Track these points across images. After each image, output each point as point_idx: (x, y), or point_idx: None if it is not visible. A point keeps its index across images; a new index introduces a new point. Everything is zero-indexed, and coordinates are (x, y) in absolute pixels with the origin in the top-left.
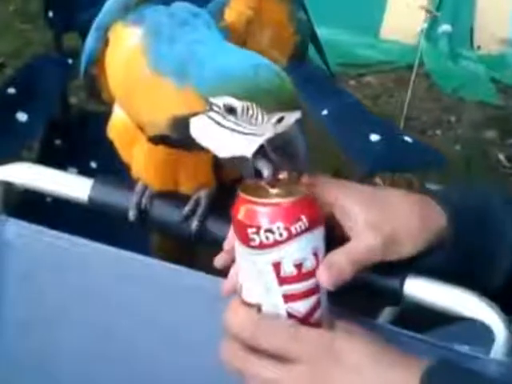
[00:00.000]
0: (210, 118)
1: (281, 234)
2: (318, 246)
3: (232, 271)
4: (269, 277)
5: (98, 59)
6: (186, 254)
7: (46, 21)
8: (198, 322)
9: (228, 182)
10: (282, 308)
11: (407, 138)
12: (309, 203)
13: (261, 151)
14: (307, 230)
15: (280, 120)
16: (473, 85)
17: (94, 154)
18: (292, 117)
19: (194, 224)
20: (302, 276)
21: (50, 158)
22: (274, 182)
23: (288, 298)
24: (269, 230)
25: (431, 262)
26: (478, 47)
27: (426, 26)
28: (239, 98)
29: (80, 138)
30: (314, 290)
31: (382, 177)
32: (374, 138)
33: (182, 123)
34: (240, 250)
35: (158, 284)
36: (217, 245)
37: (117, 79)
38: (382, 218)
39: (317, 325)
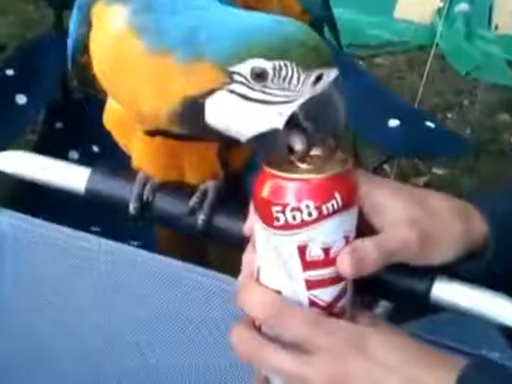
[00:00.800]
0: (231, 92)
1: (310, 214)
2: (351, 229)
3: (245, 258)
4: (292, 261)
5: (85, 45)
6: (194, 250)
7: None
8: (205, 321)
9: (234, 171)
10: (304, 295)
11: (429, 124)
12: (344, 180)
13: (292, 121)
14: (340, 210)
15: (318, 78)
16: (488, 67)
17: (97, 137)
18: (331, 74)
19: (201, 218)
20: (329, 261)
21: (51, 142)
22: (305, 156)
23: (311, 284)
24: (296, 209)
25: (467, 271)
26: (496, 26)
27: (441, 4)
28: (269, 58)
29: (82, 121)
30: (341, 278)
31: (391, 163)
32: (393, 123)
33: (194, 107)
34: (261, 232)
35: (163, 280)
36: (225, 240)
37: (104, 68)
38: (419, 215)
39: (340, 315)
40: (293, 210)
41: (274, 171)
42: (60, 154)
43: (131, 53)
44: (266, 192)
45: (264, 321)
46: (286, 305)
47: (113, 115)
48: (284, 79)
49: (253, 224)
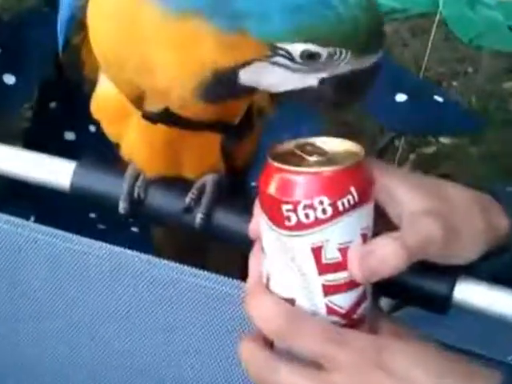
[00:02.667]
0: (273, 63)
1: (324, 211)
2: (368, 225)
3: (252, 261)
4: (306, 264)
5: (80, 22)
6: (193, 251)
7: None
8: (204, 327)
9: (239, 168)
10: (321, 302)
11: (438, 98)
12: (359, 172)
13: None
14: (357, 205)
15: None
16: (491, 33)
17: (93, 116)
18: (376, 56)
19: (199, 216)
20: (346, 263)
21: (45, 123)
22: (310, 148)
23: (328, 289)
24: (309, 206)
25: (489, 269)
26: None
27: None
28: (324, 44)
29: (77, 100)
30: None
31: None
32: (400, 97)
33: (226, 77)
34: (269, 233)
35: (159, 284)
36: (227, 240)
37: (107, 39)
38: (441, 207)
39: (360, 322)
40: (305, 207)
41: (280, 165)
42: (55, 134)
43: (148, 16)
44: (273, 188)
45: (275, 334)
46: (300, 315)
47: (103, 101)
48: (335, 61)
49: (258, 225)
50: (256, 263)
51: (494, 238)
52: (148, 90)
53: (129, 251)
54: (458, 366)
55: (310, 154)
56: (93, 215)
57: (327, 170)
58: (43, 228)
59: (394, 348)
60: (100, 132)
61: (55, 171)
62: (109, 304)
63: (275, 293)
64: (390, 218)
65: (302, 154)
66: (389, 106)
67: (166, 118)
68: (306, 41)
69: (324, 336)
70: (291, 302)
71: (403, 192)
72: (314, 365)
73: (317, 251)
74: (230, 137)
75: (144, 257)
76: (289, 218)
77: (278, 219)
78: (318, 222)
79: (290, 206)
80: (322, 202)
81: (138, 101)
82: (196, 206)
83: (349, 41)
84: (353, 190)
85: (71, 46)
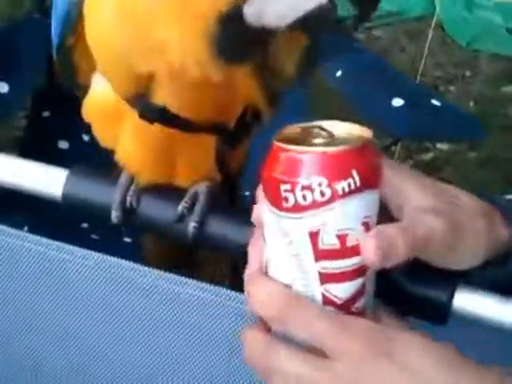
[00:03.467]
0: None
1: (322, 193)
2: (371, 214)
3: (251, 250)
4: (302, 249)
5: (76, 22)
6: (184, 260)
7: None
8: (195, 336)
9: (233, 176)
10: (317, 289)
11: (435, 102)
12: (363, 155)
13: None
14: (358, 190)
15: None
16: (489, 36)
17: (87, 125)
18: None
19: (192, 225)
20: (345, 251)
21: (39, 132)
22: (317, 131)
23: (325, 277)
24: (307, 187)
25: (488, 279)
26: None
27: None
28: None
29: (70, 109)
30: (360, 272)
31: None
32: (397, 102)
33: (234, 18)
34: (269, 215)
35: (150, 294)
36: (220, 250)
37: (106, 30)
38: (445, 205)
39: (358, 315)
40: (303, 188)
41: (282, 144)
42: (49, 143)
43: None
44: (274, 168)
45: (275, 319)
46: (301, 299)
47: (96, 104)
48: None
49: (261, 209)
50: (255, 251)
51: (494, 246)
52: (160, 71)
53: (122, 261)
54: (468, 361)
55: (316, 137)
56: (85, 225)
57: (328, 150)
58: (36, 238)
59: (399, 337)
60: (93, 141)
61: (47, 179)
62: (103, 314)
63: (273, 278)
64: (393, 210)
65: (307, 136)
66: (385, 111)
67: (161, 115)
68: None
69: (322, 319)
70: (288, 287)
71: (411, 188)
72: (316, 353)
73: (314, 236)
74: (225, 141)
75: (138, 267)
76: (286, 199)
77: (276, 200)
78: (315, 205)
79: (287, 186)
80: (320, 184)
81: (136, 97)
82: (189, 214)
83: None
84: (354, 173)
85: (65, 48)
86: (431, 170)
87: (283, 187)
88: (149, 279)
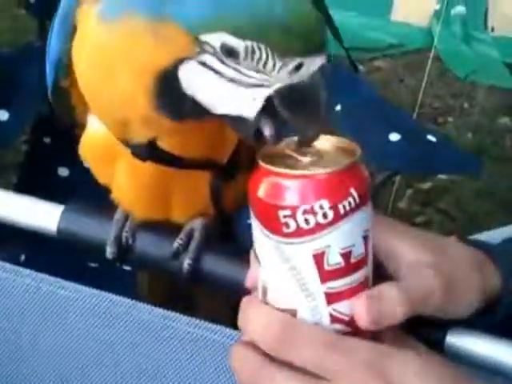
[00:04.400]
0: (201, 63)
1: (325, 215)
2: (368, 227)
3: (251, 273)
4: (307, 273)
5: (68, 66)
6: (180, 296)
7: (28, 6)
8: (192, 373)
9: (228, 212)
10: (325, 311)
11: (431, 138)
12: (357, 172)
13: (267, 105)
14: (358, 207)
15: (298, 67)
16: (486, 69)
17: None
18: (314, 63)
19: (187, 262)
20: (350, 268)
21: (39, 158)
22: (303, 148)
23: (332, 297)
24: (309, 211)
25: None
26: (492, 29)
27: (438, 7)
28: (241, 36)
29: (71, 136)
30: (364, 285)
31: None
32: (394, 137)
33: (169, 80)
34: (265, 241)
35: (146, 331)
36: (215, 287)
37: (89, 77)
38: (442, 263)
39: (365, 330)
40: (305, 212)
41: (273, 168)
42: (49, 170)
43: (102, 38)
44: (267, 193)
45: (271, 345)
46: (297, 323)
47: (92, 142)
48: (258, 62)
49: (256, 270)
50: (253, 276)
51: (486, 296)
52: (130, 120)
53: (117, 297)
54: (461, 379)
55: (303, 154)
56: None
57: (324, 171)
58: (32, 273)
59: (398, 357)
60: None
61: (42, 215)
62: (97, 350)
63: (273, 306)
64: (389, 269)
65: (293, 154)
66: (382, 145)
67: (153, 153)
68: (221, 30)
69: (324, 344)
70: (292, 313)
71: (405, 245)
72: (310, 375)
73: (318, 258)
74: (218, 177)
75: (132, 302)
76: (287, 225)
77: (275, 226)
78: (318, 227)
79: (287, 212)
80: (322, 206)
81: (125, 137)
82: (184, 251)
83: (264, 34)
84: (353, 191)
85: (60, 89)
86: (430, 198)
87: (282, 213)
88: (143, 314)
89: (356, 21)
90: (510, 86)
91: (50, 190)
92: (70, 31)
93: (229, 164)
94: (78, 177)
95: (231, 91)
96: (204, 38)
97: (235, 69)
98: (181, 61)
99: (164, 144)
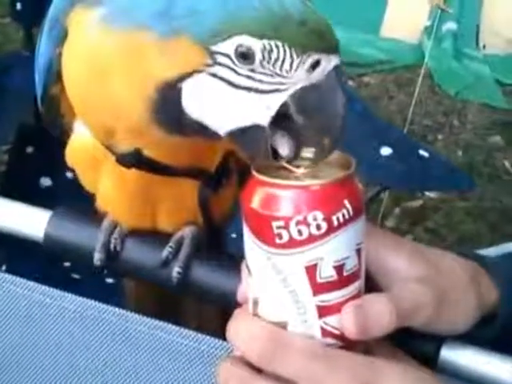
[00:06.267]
0: (213, 75)
1: (318, 227)
2: (362, 240)
3: (243, 286)
4: (299, 285)
5: (57, 73)
6: (168, 306)
7: (15, 14)
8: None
9: (218, 220)
10: (316, 324)
11: (423, 152)
12: (351, 184)
13: (282, 113)
14: (352, 219)
15: (315, 65)
16: (477, 87)
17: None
18: (330, 62)
19: (176, 270)
20: (342, 281)
21: (21, 168)
22: (297, 160)
23: (324, 310)
24: (302, 222)
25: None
26: (484, 46)
27: (429, 23)
28: (257, 36)
29: (54, 146)
30: (356, 299)
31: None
32: (386, 151)
33: (171, 94)
34: (257, 252)
35: (133, 341)
36: (205, 296)
37: (79, 83)
38: (435, 278)
39: (355, 344)
40: (298, 223)
41: (267, 178)
42: (31, 180)
43: (103, 46)
44: (261, 204)
45: (259, 358)
46: (285, 336)
47: (77, 149)
48: (275, 63)
49: (247, 283)
50: (245, 290)
51: (482, 310)
52: (118, 128)
53: (103, 305)
54: None
55: (297, 166)
56: (67, 264)
57: (319, 183)
58: (16, 279)
59: (386, 371)
60: (77, 179)
61: (29, 220)
62: (83, 358)
63: (264, 318)
64: (381, 283)
65: (287, 165)
66: (373, 159)
67: (139, 161)
68: (237, 33)
69: (312, 357)
70: (283, 326)
71: (396, 258)
72: None
73: (311, 270)
74: (206, 185)
75: (118, 311)
76: (280, 236)
77: (267, 237)
78: (312, 239)
79: (281, 223)
80: (315, 218)
81: (110, 144)
82: (173, 259)
83: (282, 30)
84: (347, 203)
85: (50, 96)
86: (419, 217)
87: (276, 224)
88: (130, 324)
89: (345, 36)
90: (502, 104)
91: (32, 200)
92: (61, 35)
93: (217, 172)
94: (61, 187)
95: (243, 99)
96: (217, 47)
97: (248, 76)
98: (189, 74)
99: (151, 152)
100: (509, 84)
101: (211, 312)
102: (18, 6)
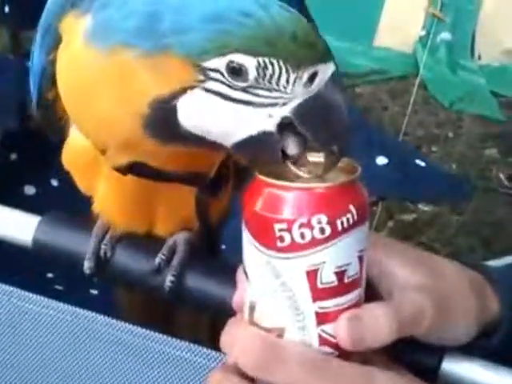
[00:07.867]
0: (207, 90)
1: (322, 230)
2: (364, 247)
3: (239, 293)
4: (299, 290)
5: (54, 74)
6: (160, 314)
7: (2, 17)
8: None
9: (213, 226)
10: (314, 332)
11: (419, 162)
12: (357, 189)
13: (285, 126)
14: (355, 224)
15: (313, 77)
16: (472, 98)
17: (56, 170)
18: (327, 70)
19: (169, 278)
20: (343, 288)
21: (5, 175)
22: (303, 162)
23: (322, 317)
24: (306, 225)
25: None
26: (479, 56)
27: (423, 33)
28: (250, 53)
29: (39, 153)
30: (356, 307)
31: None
32: (382, 161)
33: (165, 111)
34: (256, 256)
35: (123, 351)
36: (198, 305)
37: (71, 91)
38: (436, 286)
39: (352, 354)
40: (301, 226)
41: (271, 180)
42: (15, 188)
43: (89, 62)
44: (263, 206)
45: (253, 368)
46: (280, 344)
47: (74, 152)
48: (270, 79)
49: (244, 288)
50: (240, 296)
51: (485, 319)
52: (111, 143)
53: (92, 313)
54: None
55: (300, 168)
56: (50, 275)
57: (324, 185)
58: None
59: (383, 379)
60: (63, 187)
61: (17, 226)
62: (68, 366)
63: (261, 324)
64: (380, 290)
65: (292, 167)
66: (369, 169)
67: (135, 168)
68: (230, 51)
69: (307, 366)
70: (280, 332)
71: (398, 265)
72: None
73: (311, 275)
74: (203, 190)
75: (109, 321)
76: (282, 239)
77: (268, 240)
78: (314, 243)
79: (283, 225)
80: (319, 221)
81: (106, 157)
82: (166, 266)
83: (276, 46)
84: (352, 208)
85: (45, 102)
86: (412, 231)
87: (278, 226)
88: (122, 334)
89: (338, 45)
90: (497, 116)
91: (16, 208)
92: (55, 40)
93: (215, 177)
94: (45, 196)
95: (243, 112)
96: (208, 63)
97: (244, 89)
98: (182, 90)
99: (147, 160)
100: (505, 95)
101: (204, 321)
102: (6, 9)
